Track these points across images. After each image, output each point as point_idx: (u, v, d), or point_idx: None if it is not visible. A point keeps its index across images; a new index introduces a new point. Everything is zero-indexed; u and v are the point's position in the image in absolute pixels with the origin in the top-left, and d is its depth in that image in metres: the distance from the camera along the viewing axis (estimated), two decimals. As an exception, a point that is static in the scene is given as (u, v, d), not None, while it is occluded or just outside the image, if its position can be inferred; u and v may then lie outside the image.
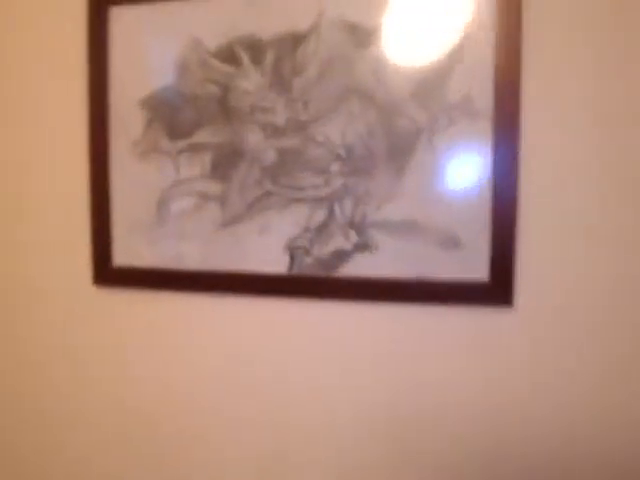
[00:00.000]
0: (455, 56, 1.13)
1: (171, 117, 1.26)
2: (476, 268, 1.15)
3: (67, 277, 1.38)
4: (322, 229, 1.20)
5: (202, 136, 1.24)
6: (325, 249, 1.21)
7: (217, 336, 1.30)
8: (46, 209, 1.38)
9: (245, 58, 1.21)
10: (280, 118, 1.20)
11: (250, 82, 1.21)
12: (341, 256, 1.20)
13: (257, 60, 1.20)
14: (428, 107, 1.14)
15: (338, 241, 1.20)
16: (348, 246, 1.20)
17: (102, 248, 1.32)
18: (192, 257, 1.27)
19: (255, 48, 1.20)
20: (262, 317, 1.27)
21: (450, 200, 1.15)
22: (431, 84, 1.14)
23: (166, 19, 1.25)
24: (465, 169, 1.14)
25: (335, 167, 1.18)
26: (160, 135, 1.26)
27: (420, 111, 1.14)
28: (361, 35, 1.15)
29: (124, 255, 1.32)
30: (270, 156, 1.21)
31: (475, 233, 1.14)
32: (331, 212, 1.20)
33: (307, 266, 1.22)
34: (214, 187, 1.25)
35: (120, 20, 1.28)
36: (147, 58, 1.27)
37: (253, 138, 1.22)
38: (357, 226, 1.19)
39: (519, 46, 1.10)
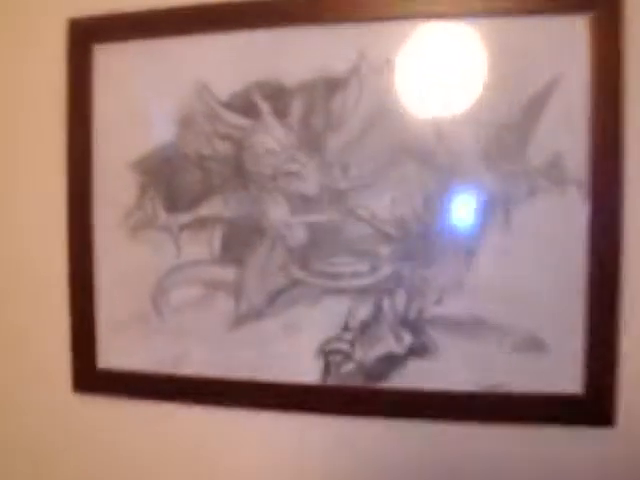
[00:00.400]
0: (538, 105, 0.87)
1: (171, 183, 0.99)
2: (565, 377, 0.90)
3: (42, 383, 1.10)
4: (366, 328, 0.94)
5: (210, 208, 0.98)
6: (370, 353, 0.94)
7: (228, 458, 1.02)
8: (17, 297, 1.11)
9: (265, 108, 0.95)
10: (311, 186, 0.94)
11: (272, 139, 0.95)
12: (391, 362, 0.93)
13: (281, 111, 0.95)
14: (503, 171, 0.89)
15: (387, 343, 0.93)
16: (400, 349, 0.93)
17: (84, 347, 1.05)
18: (196, 361, 1.00)
19: (278, 96, 0.95)
20: (287, 438, 1.00)
21: (531, 291, 0.89)
22: (507, 141, 0.88)
23: (164, 59, 0.99)
24: (551, 251, 0.89)
25: (383, 249, 0.92)
26: (157, 206, 1.00)
27: (493, 177, 0.89)
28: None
29: (111, 356, 1.04)
30: (298, 234, 0.95)
31: (564, 333, 0.89)
32: (378, 307, 0.93)
33: (347, 375, 0.95)
34: (225, 273, 0.98)
35: (106, 61, 1.02)
36: (140, 108, 1.01)
37: (276, 211, 0.95)
38: (412, 324, 0.92)
39: (620, 91, 0.86)
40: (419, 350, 0.92)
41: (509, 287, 0.90)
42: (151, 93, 1.01)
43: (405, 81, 0.90)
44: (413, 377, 0.93)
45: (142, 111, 1.01)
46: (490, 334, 0.91)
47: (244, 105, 0.96)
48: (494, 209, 0.89)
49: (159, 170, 1.00)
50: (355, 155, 0.92)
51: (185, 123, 0.99)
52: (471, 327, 0.91)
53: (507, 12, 0.87)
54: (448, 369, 0.92)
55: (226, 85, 0.97)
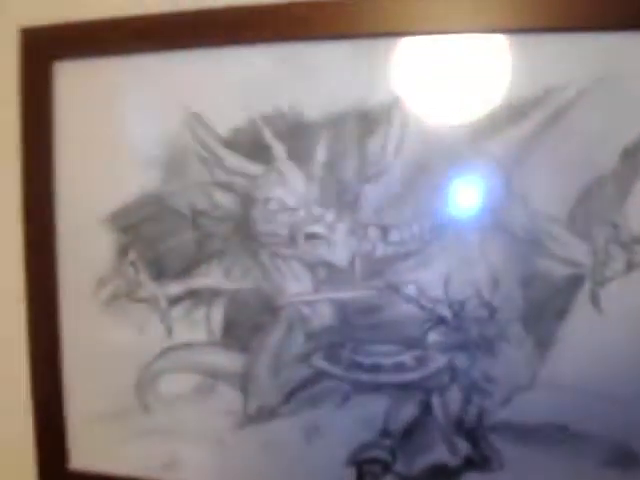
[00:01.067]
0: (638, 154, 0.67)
1: (157, 244, 0.77)
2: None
3: (-2, 484, 0.90)
4: (411, 433, 0.73)
5: (208, 277, 0.76)
6: (416, 464, 0.74)
7: None
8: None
9: (280, 150, 0.73)
10: (340, 253, 0.72)
11: (289, 191, 0.73)
12: (442, 475, 0.74)
13: (301, 155, 0.73)
14: (592, 239, 0.68)
15: (438, 452, 0.73)
16: (455, 461, 0.73)
17: (52, 445, 0.83)
18: (191, 466, 0.80)
19: (296, 134, 0.72)
20: None
21: (623, 393, 0.69)
22: (598, 201, 0.67)
23: (145, 81, 0.77)
24: (652, 340, 0.69)
25: (434, 336, 0.72)
26: (140, 272, 0.78)
27: (578, 245, 0.68)
28: (479, 118, 0.69)
29: (84, 456, 0.83)
30: (324, 315, 0.74)
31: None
32: (426, 407, 0.73)
33: (386, 490, 0.75)
34: (229, 361, 0.77)
35: (70, 83, 0.79)
36: (115, 146, 0.78)
37: (295, 284, 0.74)
38: (470, 430, 0.72)
39: None
40: (480, 462, 0.72)
41: (596, 386, 0.70)
42: (128, 126, 0.78)
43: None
44: (469, 495, 0.74)
45: (117, 149, 0.78)
46: (570, 443, 0.71)
47: (251, 144, 0.74)
48: (579, 287, 0.69)
49: (141, 227, 0.78)
50: (397, 214, 0.71)
51: (173, 166, 0.76)
52: (546, 435, 0.71)
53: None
54: (516, 487, 0.73)
55: (226, 116, 0.74)
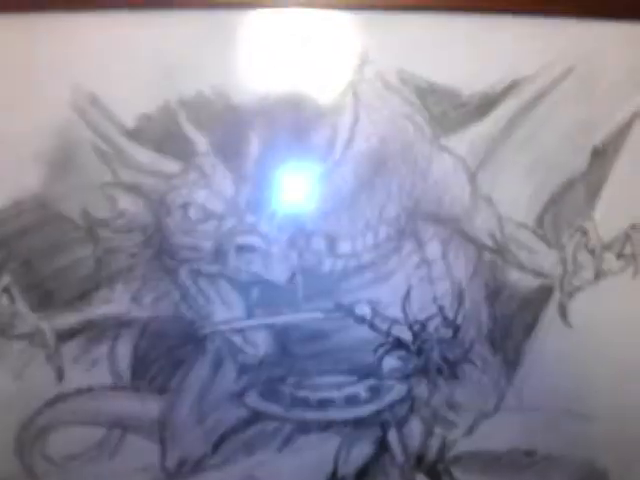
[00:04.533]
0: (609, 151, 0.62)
1: (41, 263, 0.62)
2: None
3: None
4: (366, 475, 0.65)
5: (112, 303, 0.61)
6: (371, 511, 0.66)
7: None
8: None
9: (201, 143, 0.60)
10: (279, 269, 0.62)
11: (214, 195, 0.61)
12: (402, 522, 0.66)
13: (227, 148, 0.61)
14: (561, 246, 0.63)
15: (396, 494, 0.66)
16: (415, 502, 0.66)
17: None
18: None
19: (223, 123, 0.61)
20: None
21: (592, 409, 0.66)
22: (567, 205, 0.63)
23: (22, 46, 0.60)
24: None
25: (391, 362, 0.63)
26: (17, 301, 0.62)
27: (547, 253, 0.63)
28: (441, 111, 0.61)
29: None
30: (259, 344, 0.63)
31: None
32: (382, 444, 0.65)
33: None
34: (142, 405, 0.62)
35: None
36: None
37: (223, 309, 0.62)
38: (431, 465, 0.66)
39: None
40: (441, 501, 0.66)
41: (565, 403, 0.65)
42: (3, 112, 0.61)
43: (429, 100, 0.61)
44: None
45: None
46: (539, 469, 0.67)
47: (164, 136, 0.60)
48: (546, 300, 0.64)
49: (18, 241, 0.61)
50: (347, 221, 0.62)
51: (62, 162, 0.60)
52: (514, 462, 0.66)
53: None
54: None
55: (132, 99, 0.60)
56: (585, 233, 0.63)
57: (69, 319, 0.62)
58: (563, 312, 0.64)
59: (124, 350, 0.62)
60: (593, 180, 0.62)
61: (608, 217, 0.63)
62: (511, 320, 0.64)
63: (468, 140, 0.61)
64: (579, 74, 0.60)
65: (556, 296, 0.63)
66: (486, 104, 0.61)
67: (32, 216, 0.61)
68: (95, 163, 0.60)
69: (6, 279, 0.61)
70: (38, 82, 0.60)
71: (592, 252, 0.63)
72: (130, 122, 0.60)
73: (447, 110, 0.60)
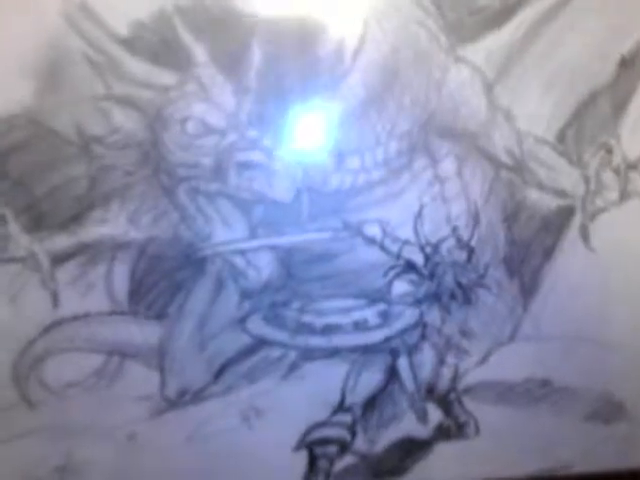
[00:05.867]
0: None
1: (32, 183, 0.59)
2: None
3: None
4: (374, 405, 0.63)
5: (107, 223, 0.59)
6: (380, 440, 0.64)
7: None
8: None
9: (199, 52, 0.57)
10: (283, 187, 0.59)
11: (214, 108, 0.58)
12: (412, 450, 0.64)
13: (227, 58, 0.57)
14: (584, 165, 0.60)
15: (406, 424, 0.64)
16: (424, 432, 0.64)
17: None
18: (95, 473, 0.64)
19: (224, 32, 0.57)
20: None
21: (611, 338, 0.63)
22: (591, 120, 0.59)
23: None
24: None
25: (402, 286, 0.61)
26: (9, 223, 0.59)
27: (569, 171, 0.60)
28: (456, 19, 0.57)
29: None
30: (263, 266, 0.60)
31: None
32: (392, 372, 0.63)
33: (344, 474, 0.65)
34: (140, 331, 0.60)
35: None
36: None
37: (224, 229, 0.60)
38: (442, 395, 0.64)
39: None
40: (452, 431, 0.64)
41: (583, 332, 0.63)
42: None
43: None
44: (441, 467, 0.66)
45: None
46: (554, 400, 0.65)
47: (160, 45, 0.56)
48: (567, 222, 0.61)
49: (8, 160, 0.58)
50: (356, 135, 0.59)
51: (53, 75, 0.57)
52: (528, 393, 0.64)
53: None
54: (495, 455, 0.65)
55: (124, 5, 0.57)
56: (609, 150, 0.59)
57: (63, 242, 0.59)
58: (585, 234, 0.61)
59: (121, 273, 0.60)
60: (619, 93, 0.59)
61: (634, 134, 0.60)
62: (529, 243, 0.61)
63: (485, 49, 0.58)
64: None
65: (578, 218, 0.61)
66: (505, 10, 0.57)
67: (21, 133, 0.58)
68: (87, 75, 0.57)
69: (-3, 197, 0.59)
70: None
71: (617, 171, 0.60)
72: (123, 29, 0.56)
73: (463, 16, 0.57)
